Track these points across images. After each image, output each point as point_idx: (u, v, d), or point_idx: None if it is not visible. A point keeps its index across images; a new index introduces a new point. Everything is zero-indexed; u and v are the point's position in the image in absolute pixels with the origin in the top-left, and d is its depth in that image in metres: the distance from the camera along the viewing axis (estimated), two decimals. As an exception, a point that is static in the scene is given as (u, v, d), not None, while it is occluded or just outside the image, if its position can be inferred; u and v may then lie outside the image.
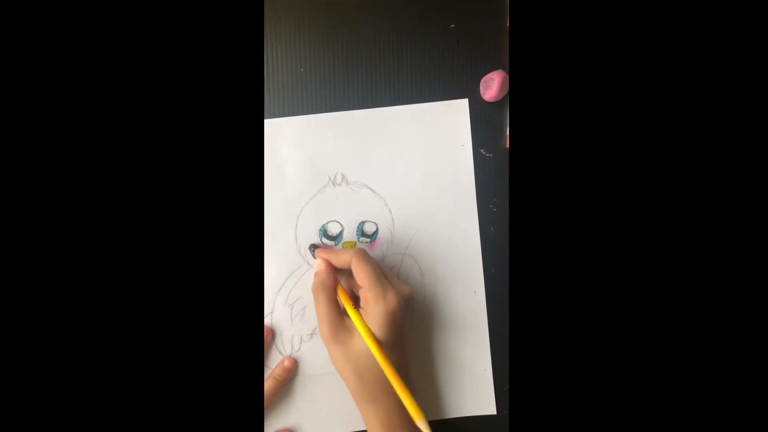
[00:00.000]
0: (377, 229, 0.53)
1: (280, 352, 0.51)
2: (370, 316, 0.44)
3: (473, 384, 0.53)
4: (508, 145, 0.53)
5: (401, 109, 0.53)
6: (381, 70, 0.53)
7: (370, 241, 0.53)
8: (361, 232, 0.53)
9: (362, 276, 0.45)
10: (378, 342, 0.44)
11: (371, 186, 0.53)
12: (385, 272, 0.47)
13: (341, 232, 0.52)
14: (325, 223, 0.52)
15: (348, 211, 0.53)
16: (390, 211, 0.53)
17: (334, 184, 0.53)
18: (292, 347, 0.52)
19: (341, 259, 0.47)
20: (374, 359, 0.44)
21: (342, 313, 0.46)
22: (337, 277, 0.48)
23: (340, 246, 0.52)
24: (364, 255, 0.46)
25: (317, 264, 0.48)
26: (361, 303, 0.46)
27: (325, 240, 0.52)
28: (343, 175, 0.53)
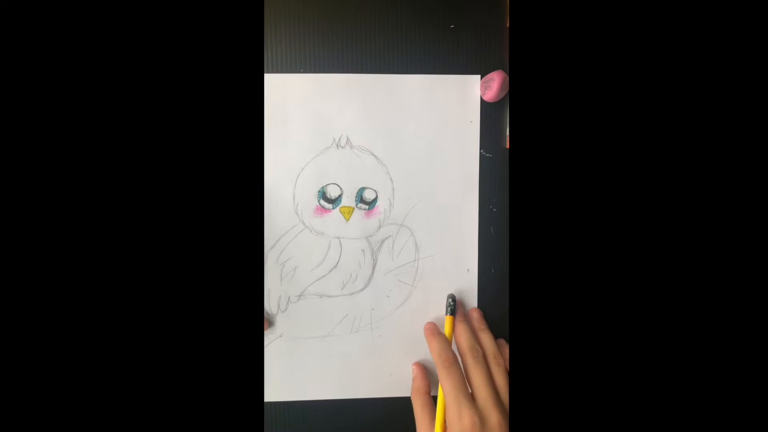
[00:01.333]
0: (376, 197, 0.52)
1: (266, 312, 0.51)
2: None
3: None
4: (508, 146, 0.52)
5: (412, 78, 0.51)
6: (380, 70, 0.51)
7: (369, 209, 0.52)
8: (360, 199, 0.52)
9: (444, 389, 0.46)
10: None
11: (375, 153, 0.52)
12: (477, 378, 0.47)
13: (340, 196, 0.52)
14: (324, 185, 0.52)
15: (349, 175, 0.52)
16: (391, 180, 0.52)
17: (338, 146, 0.52)
18: (278, 307, 0.52)
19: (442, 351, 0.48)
20: None
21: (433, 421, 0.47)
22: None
23: (337, 210, 0.52)
24: (449, 366, 0.47)
25: (413, 370, 0.51)
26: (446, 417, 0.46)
27: (323, 202, 0.51)
28: (348, 138, 0.52)
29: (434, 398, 0.49)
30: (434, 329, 0.50)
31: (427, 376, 0.50)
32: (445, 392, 0.45)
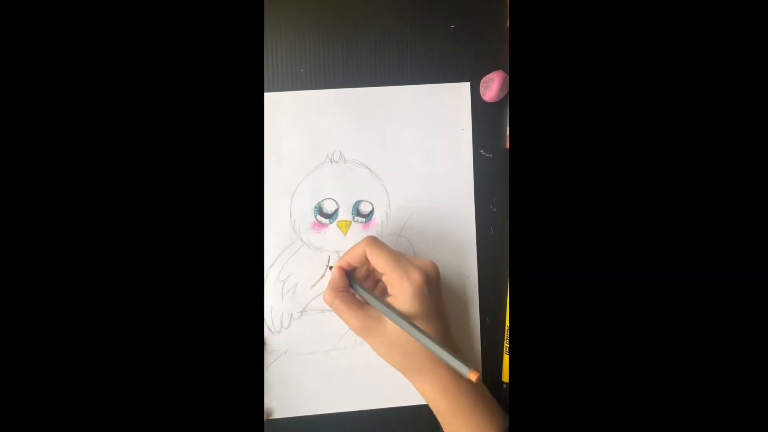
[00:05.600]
0: (373, 209, 0.52)
1: (269, 329, 0.51)
2: (399, 299, 0.44)
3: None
4: (508, 146, 0.53)
5: (402, 90, 0.52)
6: (380, 71, 0.52)
7: (366, 222, 0.52)
8: (357, 212, 0.52)
9: (380, 262, 0.45)
10: (410, 317, 0.44)
11: (369, 165, 0.52)
12: (401, 253, 0.47)
13: (336, 211, 0.52)
14: (320, 200, 0.52)
15: (344, 189, 0.52)
16: (387, 191, 0.52)
17: (331, 161, 0.52)
18: (282, 324, 0.52)
19: (356, 253, 0.46)
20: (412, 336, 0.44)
21: (364, 306, 0.46)
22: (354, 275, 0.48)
23: (335, 224, 0.52)
24: (376, 241, 0.46)
25: (334, 271, 0.48)
26: (388, 289, 0.45)
27: (320, 218, 0.52)
28: (341, 152, 0.52)
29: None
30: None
31: (344, 275, 0.47)
32: (383, 263, 0.44)
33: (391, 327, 0.44)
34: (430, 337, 0.42)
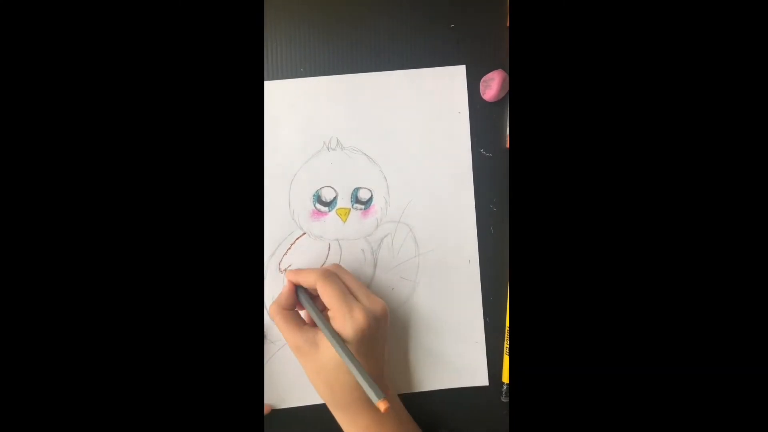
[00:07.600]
0: (372, 196, 0.52)
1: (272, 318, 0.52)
2: (339, 334, 0.44)
3: (466, 355, 0.53)
4: (508, 145, 0.52)
5: (398, 74, 0.51)
6: (380, 70, 0.52)
7: (365, 209, 0.52)
8: (356, 199, 0.52)
9: (327, 297, 0.45)
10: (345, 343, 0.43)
11: (366, 152, 0.52)
12: (355, 289, 0.46)
13: (335, 198, 0.52)
14: (318, 188, 0.51)
15: (342, 176, 0.52)
16: (385, 178, 0.52)
17: (328, 148, 0.51)
18: (284, 314, 0.52)
19: (307, 280, 0.46)
20: (342, 369, 0.44)
21: (304, 328, 0.46)
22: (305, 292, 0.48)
23: (334, 212, 0.52)
24: (328, 276, 0.46)
25: (286, 285, 0.48)
26: (331, 322, 0.45)
27: (318, 206, 0.51)
28: (338, 139, 0.51)
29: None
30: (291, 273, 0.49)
31: (293, 291, 0.48)
32: (329, 299, 0.45)
33: (324, 357, 0.44)
34: (352, 358, 0.42)
